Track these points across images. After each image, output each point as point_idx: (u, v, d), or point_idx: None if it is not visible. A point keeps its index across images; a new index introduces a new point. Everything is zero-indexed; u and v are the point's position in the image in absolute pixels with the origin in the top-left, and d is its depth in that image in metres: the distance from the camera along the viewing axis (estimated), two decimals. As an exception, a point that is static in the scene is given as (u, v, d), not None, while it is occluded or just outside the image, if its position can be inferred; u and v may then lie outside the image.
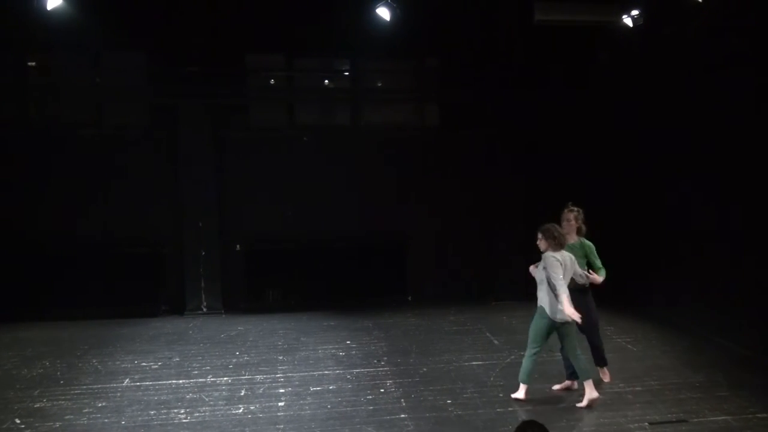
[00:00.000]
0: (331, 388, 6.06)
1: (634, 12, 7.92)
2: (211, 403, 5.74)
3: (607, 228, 9.57)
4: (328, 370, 6.57)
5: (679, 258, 8.01)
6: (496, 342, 7.56)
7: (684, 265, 7.90)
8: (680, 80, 7.87)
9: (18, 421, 5.35)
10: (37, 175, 9.01)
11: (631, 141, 9.01)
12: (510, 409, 5.51)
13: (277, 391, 6.00)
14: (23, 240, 8.92)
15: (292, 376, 6.40)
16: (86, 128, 9.20)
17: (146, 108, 9.48)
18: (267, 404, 5.69)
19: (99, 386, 6.16)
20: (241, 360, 6.98)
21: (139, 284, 9.10)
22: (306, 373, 6.49)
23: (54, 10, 7.30)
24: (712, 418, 5.22)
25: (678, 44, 7.86)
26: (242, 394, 5.96)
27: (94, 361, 6.95)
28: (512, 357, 6.92)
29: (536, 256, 9.94)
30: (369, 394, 5.88)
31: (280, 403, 5.69)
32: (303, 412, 5.51)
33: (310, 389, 6.02)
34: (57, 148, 9.06)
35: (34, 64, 9.29)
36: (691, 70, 7.66)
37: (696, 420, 5.20)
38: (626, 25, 8.08)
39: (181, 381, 6.31)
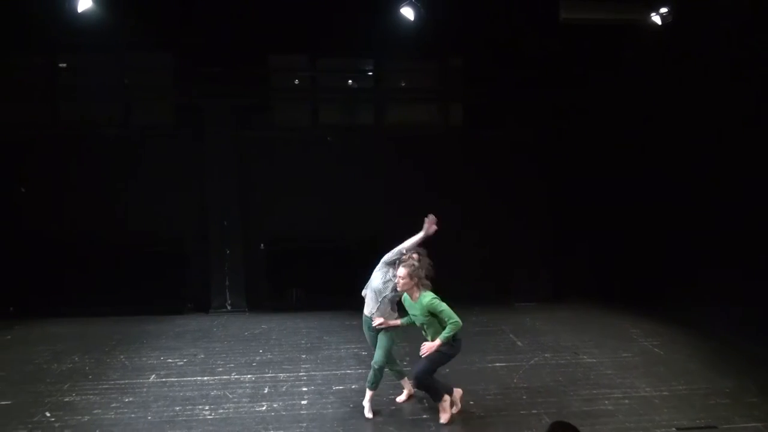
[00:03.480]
0: (353, 387, 6.07)
1: (663, 9, 7.77)
2: (235, 400, 5.80)
3: (634, 230, 9.47)
4: (351, 369, 6.58)
5: (708, 259, 7.85)
6: (519, 344, 7.50)
7: (713, 266, 7.74)
8: (709, 80, 7.71)
9: (48, 414, 5.47)
10: (67, 175, 9.20)
11: (658, 141, 8.86)
12: (534, 411, 5.46)
13: (300, 389, 6.03)
14: (54, 238, 9.11)
15: (314, 375, 6.43)
16: (114, 128, 9.36)
17: (172, 108, 9.61)
18: (290, 402, 5.73)
19: (126, 381, 6.27)
20: (264, 358, 7.04)
21: (165, 282, 9.23)
22: (329, 372, 6.52)
23: (84, 12, 7.46)
24: (742, 425, 5.11)
25: (706, 43, 7.70)
26: (266, 391, 6.01)
27: (122, 356, 7.07)
28: (536, 359, 6.86)
29: (561, 258, 9.89)
30: (391, 394, 5.87)
31: (303, 402, 5.73)
32: (325, 411, 5.53)
33: (332, 388, 6.05)
34: (86, 147, 9.23)
35: (65, 65, 9.47)
36: (720, 69, 7.51)
37: (726, 426, 5.10)
38: (654, 23, 7.94)
39: (205, 378, 6.39)
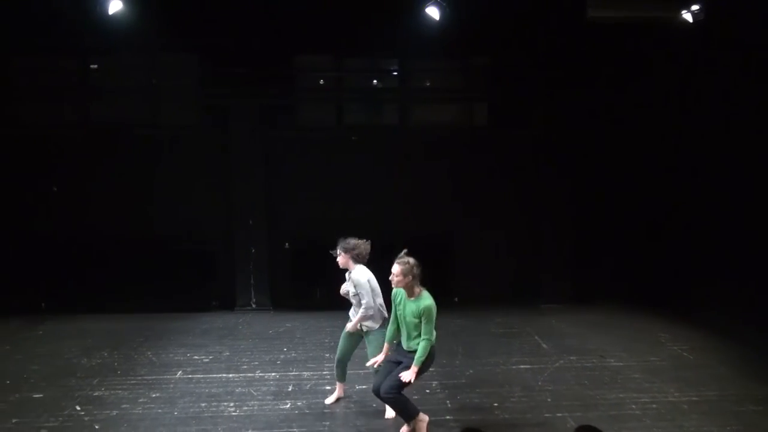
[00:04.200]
0: (376, 386, 6.08)
1: (694, 6, 7.59)
2: (260, 397, 5.85)
3: (663, 232, 9.30)
4: (374, 369, 6.56)
5: (742, 263, 7.66)
6: (544, 346, 7.42)
7: (746, 270, 7.55)
8: (743, 78, 7.52)
9: (78, 408, 5.59)
10: (96, 174, 9.37)
11: (687, 142, 8.68)
12: (559, 414, 5.40)
13: (323, 388, 6.05)
14: (83, 236, 9.30)
15: (338, 374, 6.45)
16: (142, 128, 9.51)
17: (199, 108, 9.75)
18: (314, 400, 5.76)
19: (153, 377, 6.38)
20: (288, 356, 7.09)
21: (192, 280, 9.37)
22: (352, 371, 6.46)
23: (114, 15, 7.62)
24: (774, 432, 4.99)
25: (740, 40, 7.51)
26: (290, 389, 6.06)
27: (149, 353, 7.19)
28: (561, 361, 6.78)
29: (588, 260, 9.76)
30: (414, 395, 5.83)
31: (327, 401, 5.74)
32: (348, 410, 5.55)
33: (355, 387, 6.06)
34: (115, 147, 9.40)
35: (95, 66, 9.67)
36: (753, 67, 7.31)
37: (757, 434, 4.98)
38: (685, 21, 7.76)
39: (230, 375, 6.46)
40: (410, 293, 4.88)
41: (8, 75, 9.44)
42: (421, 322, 4.79)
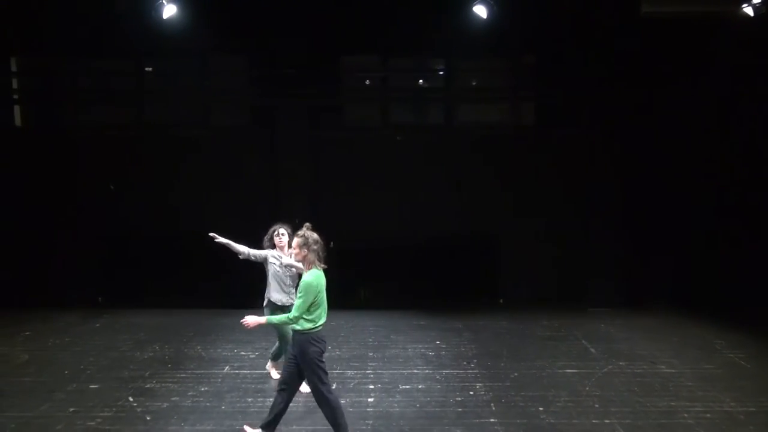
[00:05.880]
0: (420, 387, 6.07)
1: (756, 0, 7.26)
2: (304, 394, 5.91)
3: (719, 235, 8.94)
4: (417, 369, 6.58)
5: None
6: (592, 350, 7.25)
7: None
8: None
9: (131, 399, 5.80)
10: (149, 173, 9.68)
11: (746, 143, 8.32)
12: (607, 421, 5.26)
13: (366, 387, 6.09)
14: (137, 234, 9.64)
15: (381, 373, 6.47)
16: (193, 128, 9.79)
17: (247, 108, 9.96)
18: (356, 399, 5.80)
19: (202, 371, 6.56)
20: (332, 355, 7.14)
21: (240, 277, 9.54)
22: (395, 371, 6.54)
23: (168, 19, 7.89)
24: (839, 447, 4.73)
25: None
26: (333, 387, 6.08)
27: (198, 347, 7.40)
28: (610, 366, 6.61)
29: (639, 263, 9.47)
30: (458, 396, 5.83)
31: (370, 399, 5.78)
32: (392, 410, 5.56)
33: (399, 387, 6.07)
34: (166, 147, 9.69)
35: (150, 69, 10.01)
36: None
37: (820, 448, 4.73)
38: (746, 15, 7.44)
39: (276, 371, 6.56)
40: (306, 267, 4.80)
41: (67, 78, 9.87)
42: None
